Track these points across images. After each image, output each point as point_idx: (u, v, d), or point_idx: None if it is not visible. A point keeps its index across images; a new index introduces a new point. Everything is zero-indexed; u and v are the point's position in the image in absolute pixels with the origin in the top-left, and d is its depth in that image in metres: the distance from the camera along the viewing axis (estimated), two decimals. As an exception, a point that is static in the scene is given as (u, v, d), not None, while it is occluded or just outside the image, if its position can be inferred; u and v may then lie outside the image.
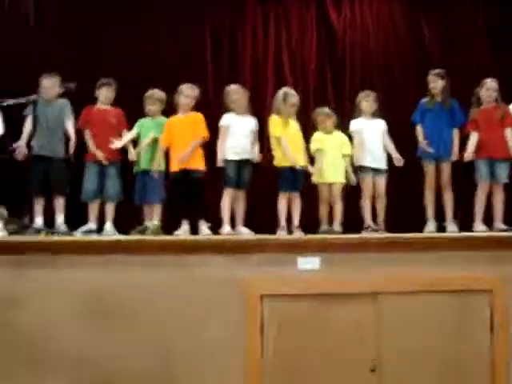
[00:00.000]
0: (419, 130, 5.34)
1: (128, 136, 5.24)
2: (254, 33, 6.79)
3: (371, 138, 5.31)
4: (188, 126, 5.11)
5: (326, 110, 5.48)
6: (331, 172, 5.16)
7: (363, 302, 4.00)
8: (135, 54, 6.41)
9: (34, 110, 4.71)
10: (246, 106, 5.22)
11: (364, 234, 4.64)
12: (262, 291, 3.95)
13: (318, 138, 5.27)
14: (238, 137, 5.03)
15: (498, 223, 4.94)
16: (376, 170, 5.26)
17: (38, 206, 4.90)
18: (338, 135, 5.36)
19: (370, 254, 4.03)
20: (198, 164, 5.07)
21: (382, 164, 5.29)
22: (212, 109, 6.08)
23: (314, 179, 5.18)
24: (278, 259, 3.99)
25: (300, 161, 4.96)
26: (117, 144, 5.14)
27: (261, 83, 6.64)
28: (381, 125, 5.42)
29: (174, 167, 5.02)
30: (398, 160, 5.28)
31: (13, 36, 6.19)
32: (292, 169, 4.91)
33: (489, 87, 5.23)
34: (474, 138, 5.16)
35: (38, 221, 4.81)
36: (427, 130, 5.30)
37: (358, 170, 5.31)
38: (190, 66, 6.37)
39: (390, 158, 5.38)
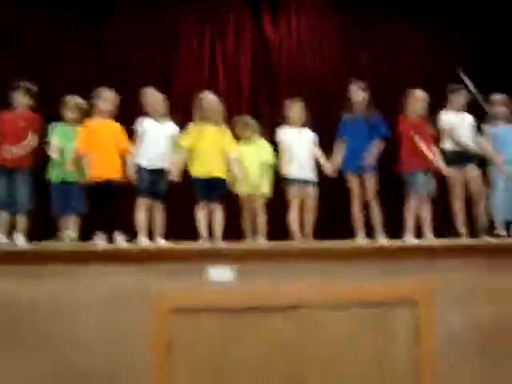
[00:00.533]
0: (338, 145, 5.15)
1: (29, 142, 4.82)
2: (189, 45, 6.76)
3: (298, 148, 5.09)
4: (109, 134, 4.79)
5: (245, 119, 5.28)
6: (250, 182, 4.95)
7: (282, 316, 3.73)
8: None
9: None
10: (162, 110, 4.94)
11: (281, 243, 4.38)
12: (171, 305, 3.65)
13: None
14: (153, 143, 4.79)
15: (429, 234, 4.83)
16: (304, 181, 5.06)
17: None
18: (260, 144, 5.16)
19: (290, 265, 3.77)
20: (118, 174, 4.79)
21: (310, 175, 5.10)
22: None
23: (236, 189, 4.98)
24: (188, 270, 3.70)
25: (214, 170, 4.73)
26: (14, 150, 4.73)
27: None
28: (309, 135, 5.22)
29: (95, 176, 4.68)
30: (328, 168, 5.09)
31: None
32: (206, 179, 4.71)
33: (420, 98, 5.13)
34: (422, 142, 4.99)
35: None
36: (351, 143, 5.11)
37: (284, 180, 5.10)
38: (121, 78, 6.15)
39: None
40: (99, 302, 3.64)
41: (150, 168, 4.68)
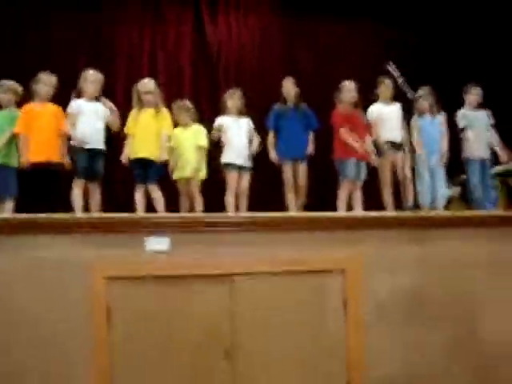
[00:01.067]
0: (271, 135, 5.44)
1: None
2: (130, 39, 6.77)
3: (235, 135, 5.28)
4: (48, 117, 4.85)
5: (183, 103, 5.40)
6: (185, 166, 5.08)
7: (217, 284, 3.86)
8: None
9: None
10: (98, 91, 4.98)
11: (217, 214, 4.50)
12: (108, 274, 3.72)
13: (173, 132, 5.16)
14: (88, 124, 4.82)
15: (359, 211, 5.09)
16: (240, 167, 5.24)
17: None
18: (196, 129, 5.27)
19: (222, 235, 3.91)
20: (58, 156, 4.83)
21: (246, 161, 5.28)
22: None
23: (173, 174, 5.12)
24: (125, 240, 3.77)
25: (149, 152, 4.81)
26: None
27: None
28: (246, 123, 5.40)
29: (35, 158, 4.71)
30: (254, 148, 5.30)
31: None
32: (140, 161, 4.79)
33: (349, 89, 5.41)
34: (347, 135, 5.25)
35: None
36: (283, 133, 5.40)
37: (222, 166, 5.27)
38: (62, 63, 6.15)
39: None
40: (39, 271, 3.66)
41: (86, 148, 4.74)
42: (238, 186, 5.13)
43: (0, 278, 3.67)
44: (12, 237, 3.72)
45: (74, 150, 4.75)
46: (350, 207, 5.11)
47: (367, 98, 5.64)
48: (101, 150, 4.82)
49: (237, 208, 5.05)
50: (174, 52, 6.87)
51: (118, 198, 5.64)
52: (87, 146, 4.74)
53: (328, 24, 7.20)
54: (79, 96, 4.92)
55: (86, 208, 4.64)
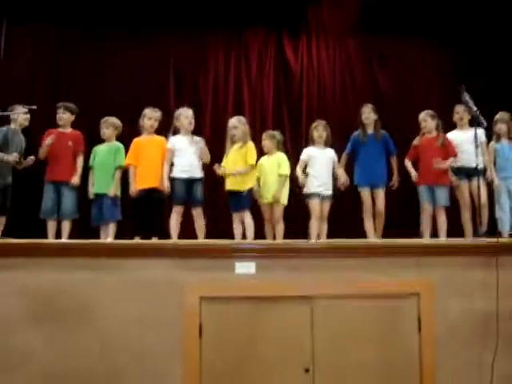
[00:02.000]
0: (343, 158, 5.71)
1: (79, 164, 5.44)
2: (216, 71, 7.26)
3: (319, 166, 5.60)
4: (154, 148, 5.37)
5: (272, 132, 5.75)
6: (268, 193, 5.41)
7: (297, 304, 4.19)
8: (102, 87, 6.89)
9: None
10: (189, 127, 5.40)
11: (298, 241, 4.83)
12: (201, 294, 4.14)
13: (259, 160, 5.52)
14: (185, 156, 5.28)
15: (442, 236, 5.30)
16: (322, 196, 5.56)
17: None
18: (277, 156, 5.57)
19: (304, 260, 4.24)
20: (161, 184, 5.28)
21: (328, 190, 5.59)
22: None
23: (258, 199, 5.49)
24: (216, 264, 4.19)
25: (235, 185, 5.22)
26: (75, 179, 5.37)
27: (221, 117, 7.00)
28: (330, 153, 5.71)
29: (140, 185, 5.25)
30: (343, 183, 5.58)
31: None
32: (232, 192, 5.22)
33: (420, 120, 5.63)
34: (409, 164, 5.60)
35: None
36: (362, 160, 5.63)
37: (306, 195, 5.61)
38: (154, 102, 6.71)
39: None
40: (140, 291, 4.12)
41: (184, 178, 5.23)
42: (320, 212, 5.46)
43: (101, 297, 4.12)
44: (115, 259, 4.19)
45: (172, 179, 5.24)
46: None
47: (448, 120, 5.83)
48: (198, 178, 5.26)
49: (319, 233, 5.41)
50: (257, 80, 7.29)
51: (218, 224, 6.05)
52: (185, 176, 5.21)
53: (409, 47, 7.41)
54: (175, 132, 5.42)
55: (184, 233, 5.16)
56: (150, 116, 5.43)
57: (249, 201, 5.28)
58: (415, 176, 5.52)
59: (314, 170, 5.55)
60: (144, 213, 5.22)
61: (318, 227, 5.42)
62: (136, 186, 5.26)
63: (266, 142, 5.59)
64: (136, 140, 5.43)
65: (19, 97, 6.12)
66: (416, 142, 5.65)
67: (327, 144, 5.67)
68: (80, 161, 5.48)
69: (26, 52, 6.92)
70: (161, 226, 5.21)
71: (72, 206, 5.36)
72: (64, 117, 5.51)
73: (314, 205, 5.47)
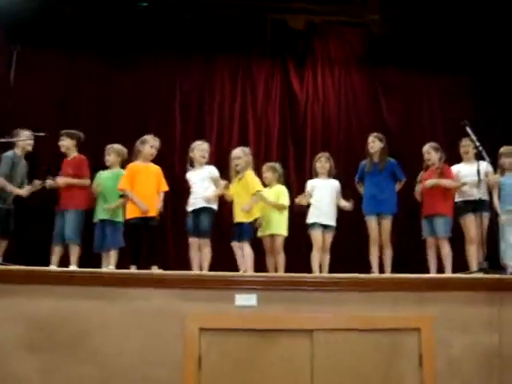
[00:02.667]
0: (359, 189, 5.79)
1: (70, 180, 5.46)
2: (222, 99, 7.33)
3: (322, 196, 5.63)
4: (151, 176, 5.42)
5: (273, 164, 5.83)
6: (268, 224, 5.49)
7: (298, 337, 4.16)
8: (109, 113, 6.96)
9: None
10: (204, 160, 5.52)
11: (299, 274, 4.81)
12: (200, 325, 4.12)
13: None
14: (195, 189, 5.40)
15: (447, 270, 5.31)
16: (325, 226, 5.56)
17: None
18: (277, 188, 5.65)
19: (305, 293, 4.23)
20: (155, 211, 5.37)
21: (331, 221, 5.60)
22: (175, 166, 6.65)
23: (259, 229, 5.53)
24: (217, 295, 4.18)
25: (239, 217, 5.30)
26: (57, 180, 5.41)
27: (225, 145, 7.06)
28: (333, 184, 5.74)
29: (134, 213, 5.27)
30: (346, 207, 5.61)
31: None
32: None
33: (423, 152, 5.67)
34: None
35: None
36: (368, 189, 5.67)
37: (308, 225, 5.63)
38: (160, 128, 6.79)
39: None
40: (140, 321, 4.10)
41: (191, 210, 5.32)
42: (322, 243, 5.47)
43: (101, 325, 4.07)
44: (116, 288, 4.16)
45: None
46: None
47: (453, 152, 5.85)
48: (203, 207, 5.33)
49: (320, 265, 5.40)
50: (262, 109, 7.36)
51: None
52: (191, 208, 5.32)
53: (414, 77, 7.48)
54: (191, 164, 5.51)
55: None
56: (152, 144, 5.48)
57: (251, 232, 5.29)
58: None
59: (315, 200, 5.58)
60: (139, 241, 5.23)
61: (319, 258, 5.41)
62: (129, 213, 5.27)
63: (268, 175, 5.66)
64: (132, 165, 5.43)
65: (27, 121, 6.21)
66: (419, 178, 5.66)
67: (330, 175, 5.70)
68: (74, 180, 5.46)
69: (35, 77, 6.99)
70: (157, 255, 5.22)
71: (70, 229, 5.37)
72: (64, 144, 5.59)
73: (316, 235, 5.49)
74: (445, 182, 5.44)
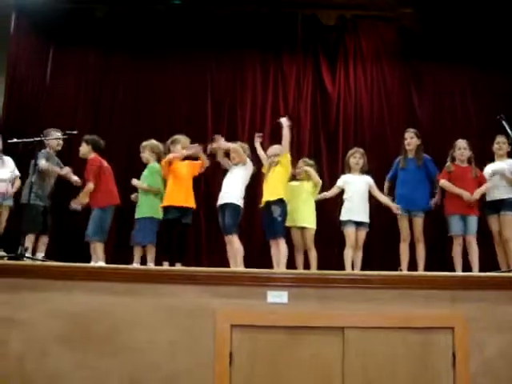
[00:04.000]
0: (386, 186, 5.74)
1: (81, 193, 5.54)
2: (253, 97, 7.30)
3: (354, 193, 5.59)
4: (186, 169, 5.58)
5: (307, 159, 5.84)
6: (299, 216, 5.46)
7: (329, 335, 4.14)
8: (139, 110, 7.03)
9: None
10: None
11: (330, 271, 4.77)
12: (232, 321, 4.14)
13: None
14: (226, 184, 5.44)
15: (474, 269, 5.21)
16: (358, 223, 5.52)
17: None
18: (310, 183, 5.62)
19: (337, 290, 4.20)
20: (192, 203, 5.51)
21: (364, 218, 5.55)
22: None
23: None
24: (248, 292, 4.19)
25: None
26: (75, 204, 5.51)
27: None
28: (367, 180, 5.69)
29: (171, 202, 5.38)
30: (395, 208, 5.53)
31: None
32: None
33: (460, 146, 5.54)
34: (449, 186, 5.46)
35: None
36: (401, 186, 5.61)
37: (340, 222, 5.60)
38: (192, 127, 6.83)
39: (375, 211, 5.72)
40: (172, 317, 4.13)
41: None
42: (355, 240, 5.43)
43: (134, 321, 4.13)
44: (149, 284, 4.21)
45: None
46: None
47: (485, 150, 5.75)
48: (228, 203, 5.33)
49: (353, 262, 5.37)
50: (294, 106, 7.29)
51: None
52: (218, 203, 5.37)
53: (447, 72, 7.34)
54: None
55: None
56: (184, 146, 5.56)
57: (283, 226, 5.28)
58: (467, 196, 5.31)
59: (349, 197, 5.54)
60: (174, 237, 5.31)
61: (352, 256, 5.38)
62: (166, 202, 5.39)
63: (300, 170, 5.65)
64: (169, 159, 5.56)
65: (62, 120, 6.33)
66: (448, 168, 5.53)
67: (363, 171, 5.65)
68: (87, 189, 5.54)
69: (70, 76, 7.11)
70: (183, 253, 5.27)
71: (93, 226, 5.47)
72: (81, 149, 5.71)
73: (349, 232, 5.46)
74: (484, 190, 5.36)
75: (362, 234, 5.50)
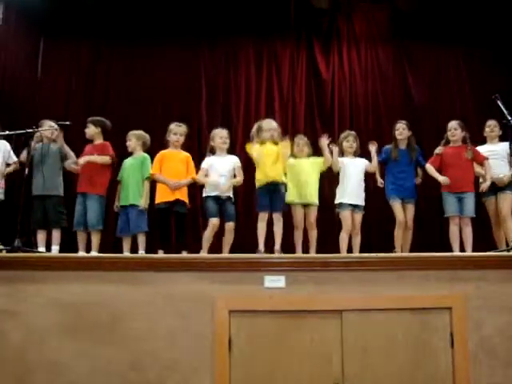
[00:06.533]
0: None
1: (94, 158, 5.48)
2: (247, 82, 7.28)
3: (350, 176, 5.57)
4: (179, 162, 5.47)
5: (303, 137, 5.75)
6: (307, 192, 5.42)
7: (327, 318, 4.14)
8: (132, 99, 7.01)
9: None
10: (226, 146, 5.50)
11: (327, 255, 4.76)
12: (230, 307, 4.14)
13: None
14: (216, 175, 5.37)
15: (468, 249, 5.21)
16: (354, 206, 5.52)
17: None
18: (314, 159, 5.58)
19: (334, 273, 4.20)
20: (185, 197, 5.42)
21: (359, 201, 5.55)
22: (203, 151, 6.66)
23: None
24: (246, 277, 4.19)
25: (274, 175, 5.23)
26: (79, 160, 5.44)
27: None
28: (361, 163, 5.68)
29: (163, 198, 5.33)
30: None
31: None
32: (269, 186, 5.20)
33: (450, 127, 5.54)
34: (432, 169, 5.47)
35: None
36: (393, 175, 5.60)
37: (336, 205, 5.59)
38: (186, 114, 6.80)
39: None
40: (169, 304, 4.13)
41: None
42: (351, 224, 5.42)
43: (132, 310, 4.13)
44: (145, 272, 4.20)
45: (205, 198, 5.35)
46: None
47: (481, 128, 5.73)
48: (229, 196, 5.34)
49: (349, 245, 5.37)
50: (288, 90, 7.28)
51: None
52: (215, 193, 5.29)
53: (441, 53, 7.32)
54: (212, 151, 5.50)
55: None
56: (176, 131, 5.52)
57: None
58: (444, 180, 5.35)
59: (344, 180, 5.52)
60: (167, 226, 5.29)
61: (347, 240, 5.37)
62: (159, 198, 5.35)
63: (306, 148, 5.60)
64: (162, 152, 5.52)
65: (55, 111, 6.28)
66: (439, 150, 5.54)
67: (356, 155, 5.64)
68: (99, 157, 5.49)
69: (62, 67, 7.06)
70: (186, 240, 5.24)
71: (95, 216, 5.42)
72: (87, 131, 5.63)
73: (345, 215, 5.44)
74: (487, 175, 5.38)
75: (359, 216, 5.48)
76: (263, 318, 4.14)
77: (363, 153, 5.77)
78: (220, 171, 5.34)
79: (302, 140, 5.64)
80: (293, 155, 5.52)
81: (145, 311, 4.11)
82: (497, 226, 5.43)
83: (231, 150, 6.22)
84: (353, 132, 5.78)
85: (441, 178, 5.37)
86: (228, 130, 5.56)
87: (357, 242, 5.43)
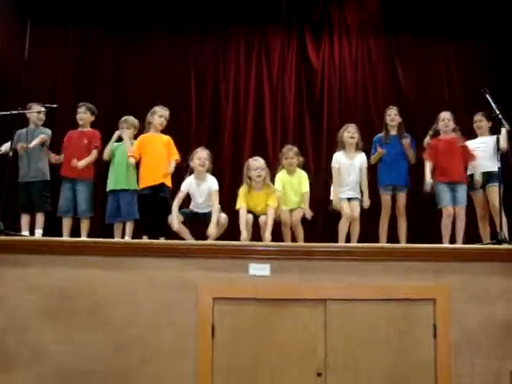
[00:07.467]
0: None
1: (89, 158, 5.47)
2: (237, 70, 7.22)
3: (349, 171, 5.53)
4: (160, 146, 5.41)
5: (294, 149, 5.60)
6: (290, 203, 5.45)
7: (311, 307, 4.15)
8: (124, 86, 6.96)
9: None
10: None
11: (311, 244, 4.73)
12: (214, 294, 4.14)
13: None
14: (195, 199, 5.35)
15: (458, 241, 5.27)
16: (349, 198, 5.50)
17: None
18: (299, 174, 5.51)
19: (319, 262, 4.21)
20: (168, 182, 5.38)
21: (355, 194, 5.51)
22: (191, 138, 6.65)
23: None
24: (230, 265, 4.18)
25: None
26: (77, 163, 5.37)
27: (241, 119, 7.05)
28: (361, 159, 5.59)
29: (145, 183, 5.30)
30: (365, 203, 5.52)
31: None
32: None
33: (443, 118, 5.54)
34: (428, 167, 5.48)
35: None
36: (384, 162, 5.60)
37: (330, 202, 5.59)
38: (175, 101, 6.75)
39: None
40: (153, 290, 4.12)
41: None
42: (351, 213, 5.40)
43: (115, 295, 4.12)
44: (130, 258, 4.18)
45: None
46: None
47: (470, 121, 5.74)
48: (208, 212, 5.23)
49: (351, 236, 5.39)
50: (278, 78, 7.22)
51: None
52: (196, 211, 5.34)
53: (431, 44, 7.30)
54: (190, 172, 5.36)
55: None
56: (161, 114, 5.47)
57: None
58: (427, 186, 5.41)
59: (343, 178, 5.49)
60: (150, 212, 5.25)
61: (346, 229, 5.37)
62: (141, 184, 5.32)
63: (294, 161, 5.50)
64: (142, 136, 5.47)
65: (42, 95, 6.21)
66: (430, 140, 5.55)
67: (358, 147, 5.58)
68: (92, 155, 5.50)
69: (49, 51, 6.96)
70: (166, 226, 5.20)
71: (86, 203, 5.41)
72: (84, 117, 5.59)
73: (343, 206, 5.41)
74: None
75: (356, 203, 5.44)
76: (247, 305, 4.14)
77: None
78: (197, 200, 5.28)
79: (291, 151, 5.51)
80: (282, 167, 5.51)
81: (129, 296, 4.11)
82: (482, 219, 5.45)
83: (220, 141, 6.28)
84: (353, 124, 5.69)
85: (427, 181, 5.43)
86: (209, 151, 5.34)
87: (356, 230, 5.40)
